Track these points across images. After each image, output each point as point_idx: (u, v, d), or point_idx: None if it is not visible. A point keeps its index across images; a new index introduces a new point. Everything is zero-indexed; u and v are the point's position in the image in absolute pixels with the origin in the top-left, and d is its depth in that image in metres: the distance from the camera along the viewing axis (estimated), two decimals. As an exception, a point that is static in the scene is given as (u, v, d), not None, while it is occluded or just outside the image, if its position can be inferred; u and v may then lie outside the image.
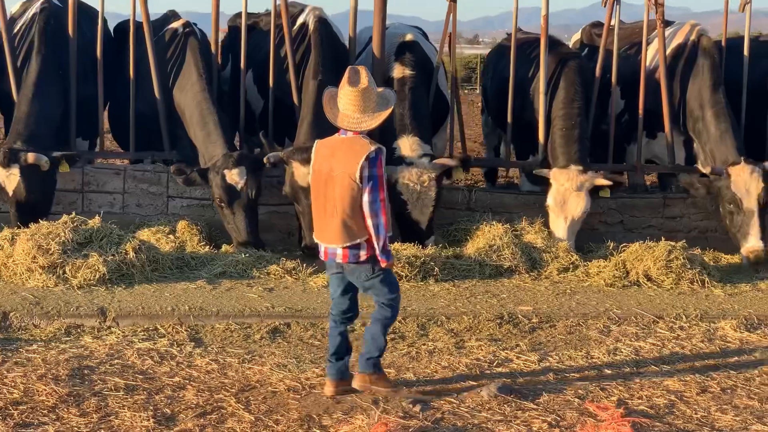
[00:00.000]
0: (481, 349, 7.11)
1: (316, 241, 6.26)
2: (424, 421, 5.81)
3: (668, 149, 10.50)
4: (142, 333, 7.37)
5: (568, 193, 9.58)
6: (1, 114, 11.37)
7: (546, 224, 9.75)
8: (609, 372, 6.76)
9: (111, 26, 11.59)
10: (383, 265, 6.04)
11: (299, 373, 6.58)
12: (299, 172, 9.17)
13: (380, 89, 6.24)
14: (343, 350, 6.28)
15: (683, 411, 6.09)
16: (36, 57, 10.06)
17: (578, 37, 13.16)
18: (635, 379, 6.63)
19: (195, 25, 11.34)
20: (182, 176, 9.48)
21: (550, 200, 9.68)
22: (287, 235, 10.07)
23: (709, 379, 6.68)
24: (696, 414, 6.05)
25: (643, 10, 10.63)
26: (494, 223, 9.63)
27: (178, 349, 7.03)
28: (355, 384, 6.20)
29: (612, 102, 10.64)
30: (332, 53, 10.31)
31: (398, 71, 10.26)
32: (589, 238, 9.93)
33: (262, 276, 8.70)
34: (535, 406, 6.07)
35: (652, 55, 10.82)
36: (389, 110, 6.13)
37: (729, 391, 6.47)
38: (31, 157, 9.31)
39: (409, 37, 10.72)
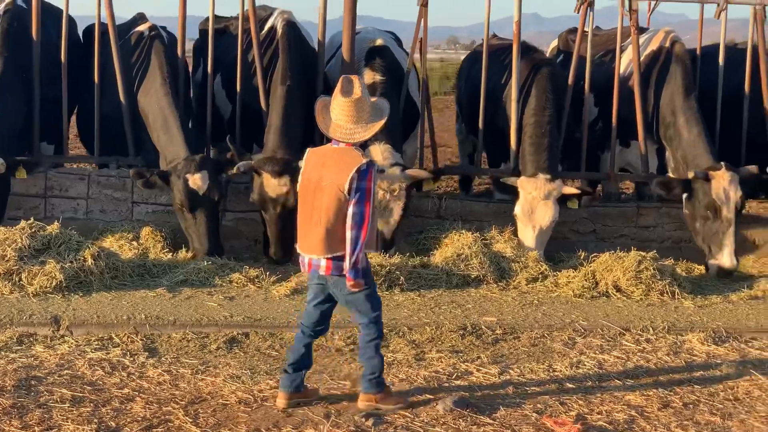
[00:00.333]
0: (441, 361, 6.94)
1: (298, 252, 6.09)
2: (376, 436, 5.66)
3: (642, 158, 10.36)
4: (96, 342, 7.18)
5: (535, 202, 9.43)
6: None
7: (516, 233, 9.60)
8: (570, 386, 6.59)
9: (81, 29, 11.41)
10: (348, 284, 5.85)
11: (252, 384, 6.41)
12: (269, 183, 9.03)
13: (374, 99, 6.14)
14: (303, 363, 6.14)
15: (643, 426, 5.94)
16: (-3, 59, 9.88)
17: (555, 44, 13.02)
18: (597, 393, 6.47)
19: (164, 28, 11.19)
20: (142, 179, 9.30)
21: (518, 209, 9.53)
22: (254, 243, 9.90)
23: (672, 393, 6.51)
24: (655, 430, 5.90)
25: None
26: (463, 231, 9.48)
27: (131, 359, 6.85)
28: (360, 405, 6.05)
29: (585, 109, 10.50)
30: (301, 58, 10.13)
31: (368, 76, 10.07)
32: (561, 248, 9.78)
33: (224, 284, 8.53)
34: (491, 421, 5.91)
35: (626, 62, 10.69)
36: (383, 121, 6.01)
37: (691, 406, 6.31)
38: None
39: (379, 41, 10.59)
